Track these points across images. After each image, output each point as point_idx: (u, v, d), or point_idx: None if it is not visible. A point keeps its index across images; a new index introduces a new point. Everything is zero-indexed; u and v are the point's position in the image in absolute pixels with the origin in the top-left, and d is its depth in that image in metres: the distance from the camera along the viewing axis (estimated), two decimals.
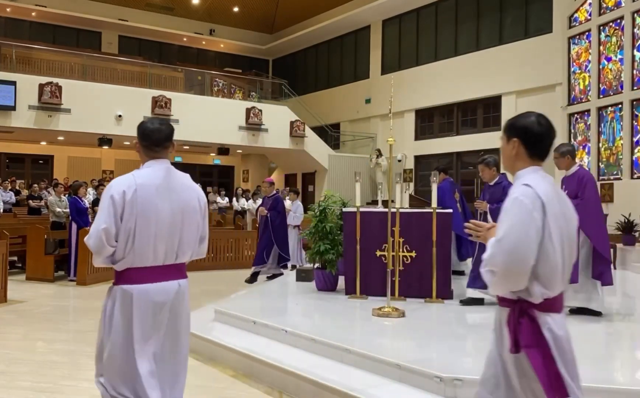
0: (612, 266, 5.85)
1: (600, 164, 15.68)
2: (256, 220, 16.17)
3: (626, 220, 11.85)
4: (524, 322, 2.24)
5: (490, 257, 2.22)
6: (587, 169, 6.06)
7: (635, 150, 14.70)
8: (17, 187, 16.69)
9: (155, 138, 2.88)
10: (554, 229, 2.23)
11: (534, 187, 2.25)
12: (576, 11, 16.58)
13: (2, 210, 13.60)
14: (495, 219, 5.87)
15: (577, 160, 6.11)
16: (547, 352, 2.21)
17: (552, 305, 2.26)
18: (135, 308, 2.73)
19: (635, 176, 14.62)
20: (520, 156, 2.39)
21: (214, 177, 25.59)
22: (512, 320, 2.26)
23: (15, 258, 11.00)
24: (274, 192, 9.72)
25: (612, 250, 9.92)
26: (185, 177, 2.95)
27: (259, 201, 17.32)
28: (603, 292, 5.84)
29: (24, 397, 4.22)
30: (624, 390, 3.60)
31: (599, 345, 5.25)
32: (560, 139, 16.81)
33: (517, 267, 2.18)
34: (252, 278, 9.34)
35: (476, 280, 5.85)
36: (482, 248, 2.54)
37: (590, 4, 16.04)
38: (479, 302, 6.19)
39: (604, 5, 15.75)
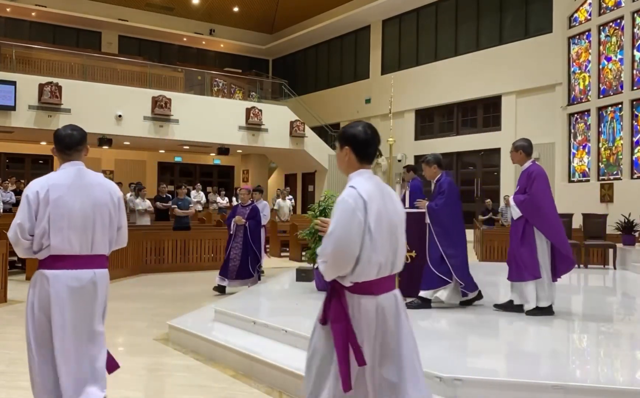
0: (569, 258, 5.85)
1: (600, 164, 15.68)
2: None
3: (626, 220, 11.85)
4: (334, 300, 2.62)
5: (323, 249, 2.59)
6: (539, 165, 6.06)
7: (635, 150, 14.70)
8: (16, 188, 16.68)
9: (67, 143, 3.21)
10: (374, 223, 2.58)
11: (357, 188, 2.61)
12: (576, 11, 16.58)
13: (2, 211, 13.60)
14: (430, 217, 5.93)
15: (532, 156, 6.14)
16: (349, 327, 2.56)
17: (365, 288, 2.60)
18: (52, 291, 3.09)
19: (635, 176, 14.63)
20: (351, 161, 2.75)
21: (214, 177, 25.61)
22: (326, 297, 2.67)
23: (16, 258, 10.99)
24: (250, 201, 9.26)
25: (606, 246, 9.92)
26: (98, 176, 3.30)
27: (259, 201, 17.32)
28: (553, 287, 5.89)
29: (24, 397, 4.22)
30: (624, 390, 3.60)
31: (599, 345, 5.26)
32: (560, 139, 16.85)
33: (344, 256, 2.54)
34: (222, 290, 8.72)
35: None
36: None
37: (590, 4, 16.04)
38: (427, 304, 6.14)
39: (604, 5, 15.75)
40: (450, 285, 6.05)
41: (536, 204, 5.77)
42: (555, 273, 5.90)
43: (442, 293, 6.26)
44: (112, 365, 3.43)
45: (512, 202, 5.90)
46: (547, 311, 5.83)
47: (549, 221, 5.81)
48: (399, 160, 21.23)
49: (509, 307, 5.97)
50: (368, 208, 2.58)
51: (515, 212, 5.87)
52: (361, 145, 2.72)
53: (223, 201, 19.28)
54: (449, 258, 5.98)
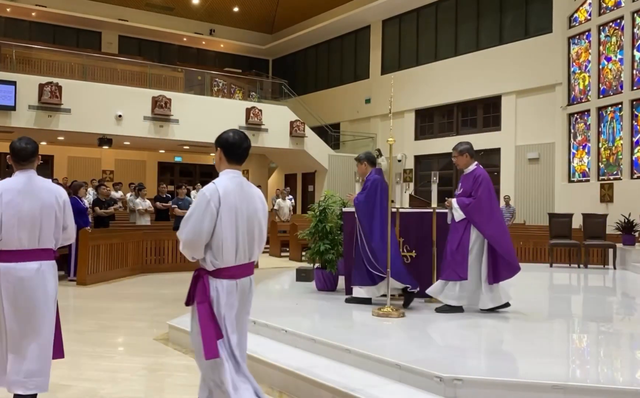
0: (513, 264, 5.84)
1: (600, 164, 15.68)
2: None
3: (626, 220, 11.85)
4: (199, 283, 3.10)
5: (179, 233, 3.08)
6: (483, 168, 6.07)
7: (635, 150, 14.70)
8: None
9: (21, 155, 3.67)
10: (227, 216, 3.07)
11: (217, 184, 3.14)
12: (576, 11, 16.59)
13: None
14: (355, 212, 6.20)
15: (474, 159, 6.14)
16: (210, 306, 3.06)
17: (222, 273, 3.10)
18: (2, 281, 3.53)
19: (635, 176, 14.63)
20: (222, 161, 3.27)
21: (214, 177, 25.53)
22: (192, 281, 3.13)
23: None
24: None
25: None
26: (46, 182, 3.79)
27: None
28: (499, 287, 5.91)
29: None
30: (624, 390, 3.60)
31: (599, 345, 5.26)
32: (560, 139, 16.86)
33: (195, 240, 3.05)
34: None
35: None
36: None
37: (590, 4, 16.05)
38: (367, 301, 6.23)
39: (604, 5, 15.75)
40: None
41: (482, 209, 5.79)
42: (497, 277, 5.89)
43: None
44: (58, 351, 3.76)
45: (454, 204, 5.90)
46: (457, 309, 5.87)
47: (494, 226, 5.80)
48: (399, 160, 21.23)
49: (446, 309, 5.94)
50: (222, 203, 3.08)
51: (458, 215, 5.88)
52: (229, 148, 3.23)
53: None
54: (372, 252, 6.06)
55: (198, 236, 3.05)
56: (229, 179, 3.19)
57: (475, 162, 6.09)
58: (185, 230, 3.07)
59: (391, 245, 5.92)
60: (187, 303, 3.15)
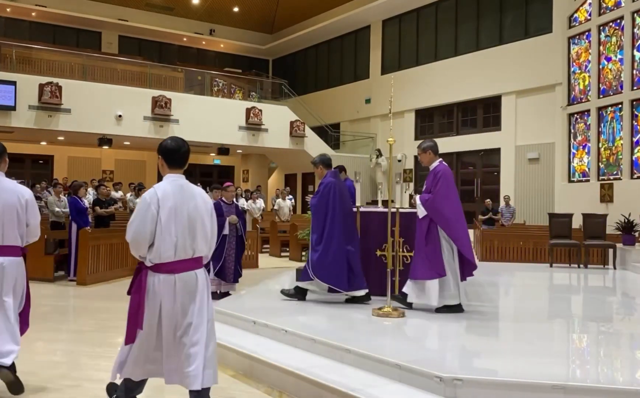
0: (470, 262, 5.83)
1: (600, 164, 15.68)
2: (257, 220, 16.22)
3: (626, 220, 11.85)
4: (138, 276, 3.44)
5: (126, 235, 3.43)
6: (445, 165, 6.09)
7: (635, 150, 14.70)
8: None
9: None
10: (166, 217, 3.39)
11: (156, 189, 3.46)
12: (576, 11, 16.59)
13: None
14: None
15: (438, 157, 6.22)
16: (142, 299, 3.38)
17: (160, 267, 3.40)
18: None
19: (635, 176, 14.63)
20: (164, 167, 3.57)
21: (214, 177, 25.59)
22: (134, 274, 3.48)
23: None
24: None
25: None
26: (11, 183, 4.16)
27: (259, 201, 17.32)
28: (459, 286, 5.90)
29: (24, 397, 4.22)
30: (624, 390, 3.60)
31: (599, 345, 5.26)
32: (560, 139, 16.86)
33: (139, 240, 3.39)
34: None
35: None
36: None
37: (590, 4, 16.04)
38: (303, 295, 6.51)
39: (604, 5, 15.75)
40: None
41: (438, 204, 5.81)
42: (462, 274, 5.91)
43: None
44: (24, 323, 4.26)
45: (418, 201, 5.97)
46: (456, 309, 5.86)
47: (450, 221, 5.79)
48: (399, 160, 21.24)
49: (402, 301, 5.98)
50: (161, 205, 3.40)
51: (421, 211, 5.94)
52: (168, 154, 3.56)
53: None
54: (313, 252, 6.27)
55: (142, 237, 3.38)
56: (168, 183, 3.52)
57: (439, 160, 6.16)
58: (129, 232, 3.41)
59: (338, 246, 6.13)
60: (128, 293, 3.47)
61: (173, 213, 3.43)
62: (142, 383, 3.63)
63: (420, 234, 5.90)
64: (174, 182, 3.52)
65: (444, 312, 5.85)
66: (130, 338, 3.43)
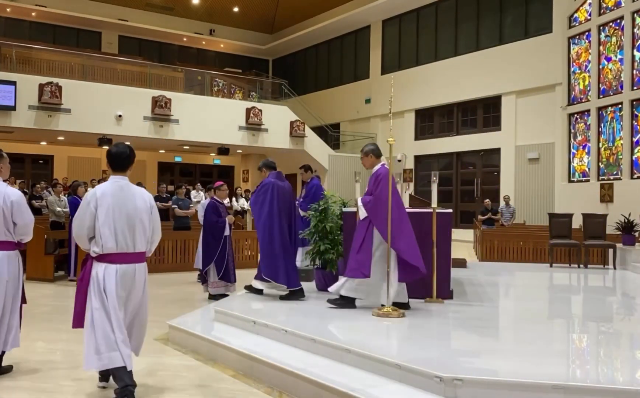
0: (414, 263, 5.71)
1: (600, 164, 15.68)
2: None
3: (626, 220, 11.85)
4: (86, 264, 4.05)
5: (72, 231, 4.31)
6: (387, 167, 6.07)
7: (635, 150, 14.71)
8: (18, 187, 16.70)
9: None
10: (104, 214, 3.94)
11: (96, 189, 4.04)
12: (576, 11, 16.59)
13: None
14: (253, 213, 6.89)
15: (383, 159, 6.22)
16: (86, 287, 3.99)
17: (103, 258, 3.97)
18: None
19: (635, 176, 14.63)
20: (109, 170, 4.15)
21: (214, 177, 25.57)
22: (82, 263, 4.09)
23: None
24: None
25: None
26: (2, 185, 4.57)
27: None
28: (388, 288, 5.83)
29: (24, 397, 4.22)
30: (624, 390, 3.60)
31: (599, 345, 5.25)
32: (560, 139, 16.86)
33: (80, 234, 4.01)
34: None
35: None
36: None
37: (590, 4, 16.05)
38: (259, 292, 6.83)
39: (604, 5, 15.75)
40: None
41: (378, 206, 5.80)
42: (404, 275, 5.79)
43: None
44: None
45: (359, 203, 6.01)
46: (348, 302, 5.96)
47: (388, 223, 5.71)
48: (399, 160, 21.24)
49: (338, 301, 6.07)
50: (99, 203, 3.95)
51: (362, 212, 5.96)
52: (110, 159, 4.13)
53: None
54: (261, 251, 6.68)
55: (82, 231, 3.98)
56: (109, 184, 4.06)
57: (381, 163, 6.17)
58: (73, 227, 4.08)
59: (278, 243, 6.46)
60: (78, 281, 4.10)
61: (111, 210, 3.96)
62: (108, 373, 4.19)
63: (359, 235, 5.92)
64: (115, 183, 4.05)
65: (337, 305, 5.93)
66: (77, 323, 4.04)
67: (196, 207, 11.74)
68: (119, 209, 3.97)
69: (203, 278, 8.53)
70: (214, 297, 8.10)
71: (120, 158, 4.10)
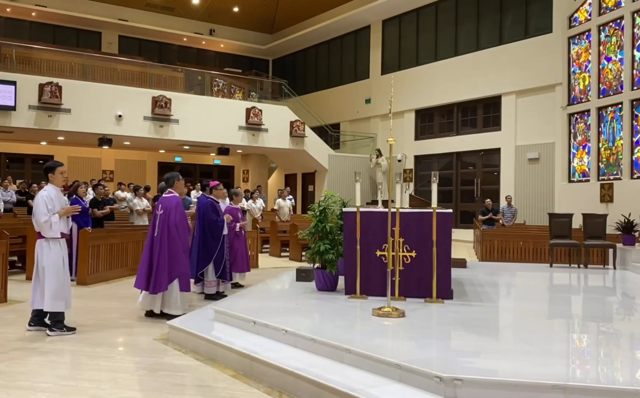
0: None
1: (600, 163, 15.68)
2: (257, 220, 16.21)
3: (626, 220, 11.85)
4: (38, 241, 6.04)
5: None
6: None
7: (635, 150, 14.71)
8: (18, 187, 16.68)
9: None
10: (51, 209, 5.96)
11: (45, 189, 6.09)
12: (576, 11, 16.59)
13: (2, 211, 13.59)
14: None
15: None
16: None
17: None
18: None
19: (635, 176, 14.63)
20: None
21: (214, 177, 25.60)
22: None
23: (15, 258, 11.00)
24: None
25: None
26: None
27: (259, 201, 17.29)
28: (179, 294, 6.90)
29: (24, 397, 4.22)
30: (624, 390, 3.60)
31: (599, 345, 5.25)
32: (560, 139, 16.85)
33: (36, 224, 5.99)
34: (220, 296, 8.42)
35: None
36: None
37: (590, 4, 16.05)
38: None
39: (604, 5, 15.75)
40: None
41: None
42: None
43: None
44: None
45: None
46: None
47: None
48: (399, 160, 21.25)
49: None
50: (47, 200, 5.97)
51: None
52: (47, 170, 6.17)
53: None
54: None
55: (38, 222, 5.99)
56: (51, 188, 6.18)
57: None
58: (33, 219, 6.08)
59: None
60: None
61: (55, 207, 6.02)
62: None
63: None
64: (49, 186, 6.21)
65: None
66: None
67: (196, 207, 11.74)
68: (56, 206, 6.09)
69: (197, 278, 8.53)
70: (210, 297, 8.15)
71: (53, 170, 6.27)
